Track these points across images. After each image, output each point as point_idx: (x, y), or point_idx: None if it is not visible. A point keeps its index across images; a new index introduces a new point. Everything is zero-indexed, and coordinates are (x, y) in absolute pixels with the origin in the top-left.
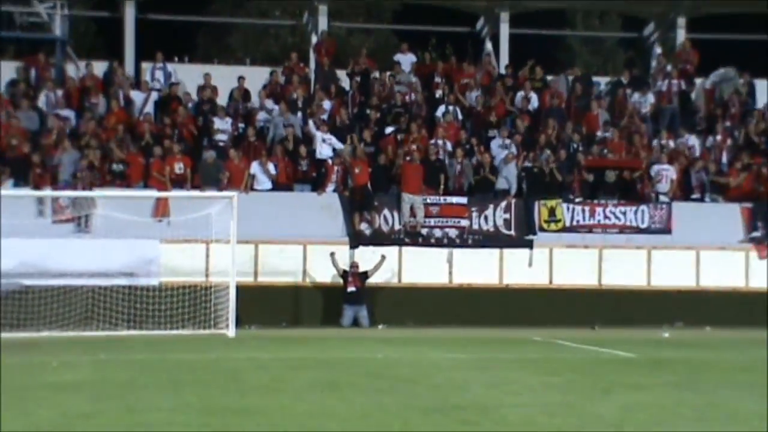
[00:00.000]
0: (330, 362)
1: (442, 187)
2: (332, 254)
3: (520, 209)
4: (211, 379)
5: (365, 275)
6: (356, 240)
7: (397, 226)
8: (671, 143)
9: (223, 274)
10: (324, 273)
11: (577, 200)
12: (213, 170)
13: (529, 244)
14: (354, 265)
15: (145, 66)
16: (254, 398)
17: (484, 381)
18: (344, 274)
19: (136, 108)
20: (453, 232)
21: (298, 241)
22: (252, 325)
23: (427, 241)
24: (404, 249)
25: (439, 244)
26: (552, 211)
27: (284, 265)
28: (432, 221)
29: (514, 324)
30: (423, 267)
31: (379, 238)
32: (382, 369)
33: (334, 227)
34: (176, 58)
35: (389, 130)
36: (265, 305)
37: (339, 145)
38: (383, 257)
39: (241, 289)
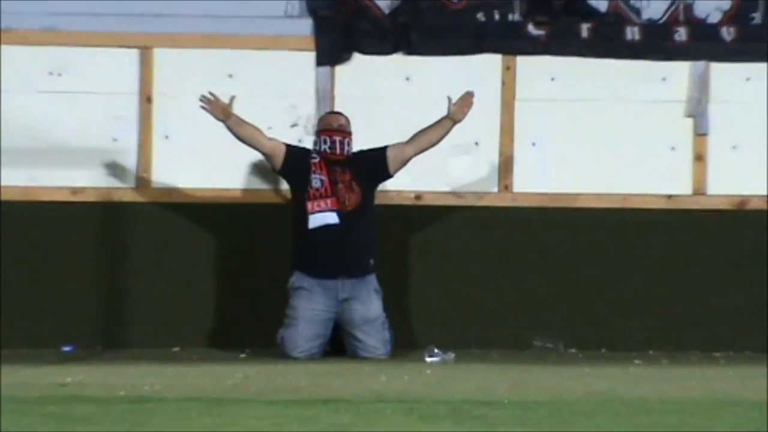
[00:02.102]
0: None
1: None
2: (208, 103)
3: None
4: None
5: (374, 167)
6: (342, 38)
7: None
8: None
9: None
10: (230, 162)
11: None
12: None
13: None
14: (330, 129)
15: None
16: None
17: None
18: (287, 164)
19: None
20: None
21: (124, 38)
22: None
23: (600, 41)
24: (524, 65)
25: (646, 47)
26: None
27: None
28: None
29: None
30: (596, 145)
31: (422, 38)
32: None
33: None
34: None
35: None
36: None
37: None
38: (467, 98)
39: None
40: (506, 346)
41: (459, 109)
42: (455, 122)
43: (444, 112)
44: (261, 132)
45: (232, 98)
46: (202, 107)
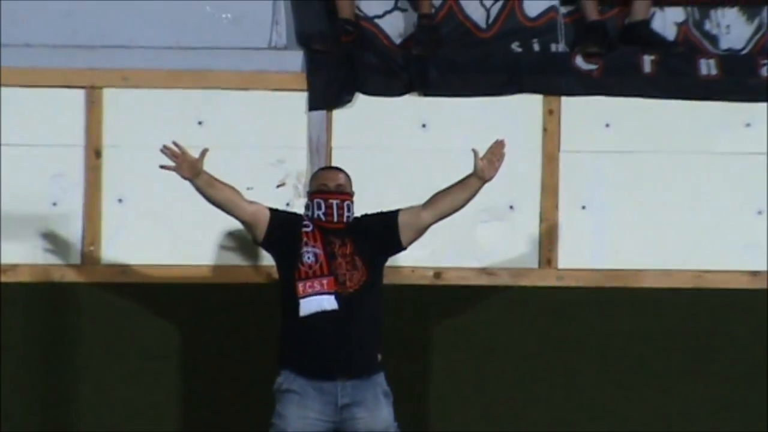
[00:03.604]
0: None
1: None
2: (173, 156)
3: None
4: None
5: (383, 236)
6: (341, 75)
7: None
8: None
9: None
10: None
11: None
12: None
13: None
14: (326, 190)
15: None
16: None
17: None
18: (272, 235)
19: None
20: None
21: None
22: None
23: None
24: (571, 107)
25: None
26: None
27: None
28: None
29: None
30: None
31: (441, 74)
32: None
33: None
34: None
35: None
36: None
37: None
38: (498, 149)
39: None
40: None
41: (488, 164)
42: (484, 181)
43: (470, 168)
44: (239, 194)
45: (204, 152)
46: (162, 166)
